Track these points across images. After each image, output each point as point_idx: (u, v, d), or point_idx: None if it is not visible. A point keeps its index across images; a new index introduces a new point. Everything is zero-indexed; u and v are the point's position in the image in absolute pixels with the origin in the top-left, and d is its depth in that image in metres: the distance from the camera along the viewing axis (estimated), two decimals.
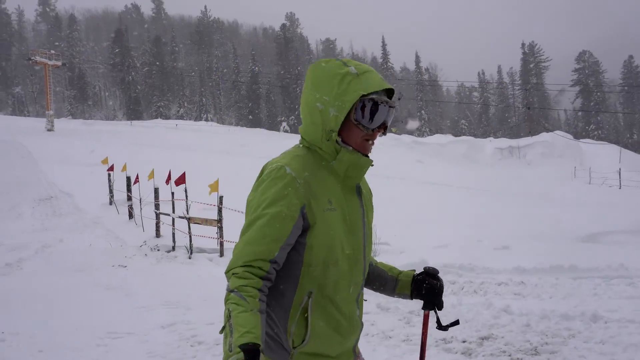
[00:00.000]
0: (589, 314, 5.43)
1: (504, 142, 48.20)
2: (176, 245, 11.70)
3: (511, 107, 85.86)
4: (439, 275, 1.94)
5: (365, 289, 1.97)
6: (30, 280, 8.50)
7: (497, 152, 44.70)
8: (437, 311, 1.93)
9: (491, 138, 53.02)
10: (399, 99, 61.53)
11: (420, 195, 21.39)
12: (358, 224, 1.72)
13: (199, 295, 7.18)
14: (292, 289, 1.63)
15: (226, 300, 1.50)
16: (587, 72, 79.90)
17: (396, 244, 11.41)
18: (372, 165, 1.74)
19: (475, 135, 64.18)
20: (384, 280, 1.97)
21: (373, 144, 1.71)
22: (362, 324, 1.81)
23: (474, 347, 4.77)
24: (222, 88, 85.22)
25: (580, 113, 78.93)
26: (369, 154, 1.75)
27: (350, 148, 1.67)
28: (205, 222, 11.56)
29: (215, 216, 11.70)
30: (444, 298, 1.97)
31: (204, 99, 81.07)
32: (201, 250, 11.44)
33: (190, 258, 10.86)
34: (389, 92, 1.72)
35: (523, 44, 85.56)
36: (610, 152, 43.35)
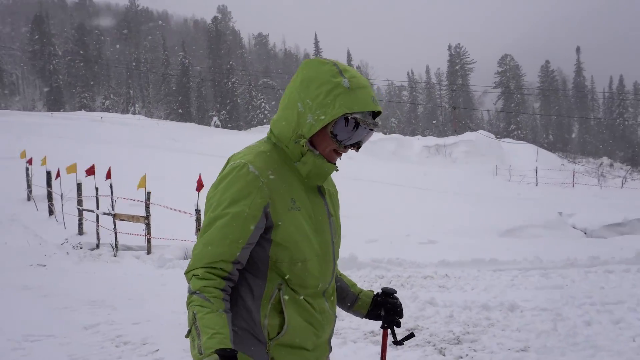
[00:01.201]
0: (507, 304, 5.77)
1: (431, 140, 49.80)
2: (100, 242, 11.25)
3: (438, 107, 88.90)
4: (396, 295, 1.97)
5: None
6: None
7: (425, 150, 46.15)
8: (395, 328, 1.96)
9: (419, 136, 54.58)
10: None
11: (350, 192, 21.63)
12: (324, 224, 1.72)
13: (124, 294, 6.96)
14: (261, 283, 1.62)
15: (189, 302, 1.48)
16: (508, 75, 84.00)
17: None
18: (337, 171, 1.73)
19: (404, 133, 65.88)
20: (344, 294, 1.97)
21: (341, 156, 1.69)
22: (334, 317, 1.81)
23: None
24: (150, 80, 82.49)
25: (501, 114, 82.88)
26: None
27: (317, 152, 1.64)
28: (132, 218, 11.20)
29: (142, 212, 11.37)
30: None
31: (131, 91, 78.22)
32: (127, 248, 11.08)
33: (115, 256, 10.49)
34: (374, 113, 1.68)
35: (450, 46, 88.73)
36: (528, 151, 45.91)
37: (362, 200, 19.43)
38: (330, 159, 1.66)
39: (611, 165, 55.78)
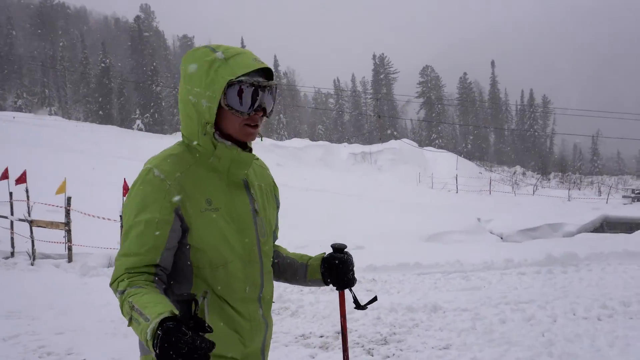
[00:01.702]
0: (430, 305, 6.08)
1: (358, 147, 50.87)
2: (15, 250, 10.64)
3: (364, 115, 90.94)
4: (346, 250, 1.86)
5: (278, 283, 1.94)
6: None
7: (351, 157, 47.07)
8: (352, 289, 1.88)
9: (345, 144, 55.57)
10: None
11: (280, 198, 21.77)
12: (247, 221, 1.64)
13: (45, 304, 6.66)
14: (186, 289, 1.57)
15: (123, 301, 1.41)
16: (429, 86, 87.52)
17: None
18: (256, 159, 1.71)
19: (331, 140, 66.84)
20: (294, 269, 1.90)
21: (256, 128, 1.61)
22: (267, 323, 1.74)
23: (331, 341, 5.09)
24: (68, 80, 78.54)
25: (423, 123, 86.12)
26: (252, 144, 1.67)
27: (229, 143, 1.59)
28: (51, 225, 10.69)
29: (62, 219, 10.87)
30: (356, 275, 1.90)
31: (47, 91, 74.12)
32: (46, 256, 10.56)
33: (32, 264, 9.97)
34: (268, 74, 1.62)
35: (374, 56, 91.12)
36: (449, 159, 48.00)
37: (291, 207, 19.54)
38: (245, 136, 1.60)
39: (524, 173, 59.38)
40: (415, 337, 5.12)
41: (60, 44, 78.26)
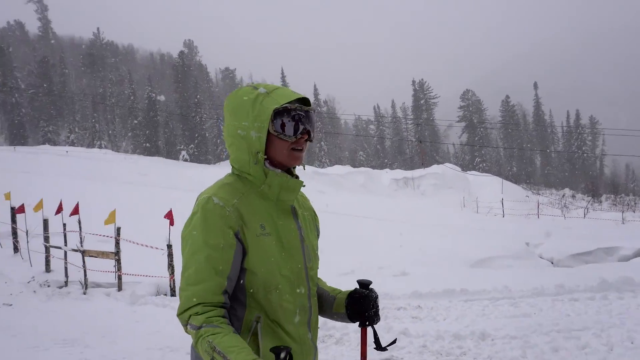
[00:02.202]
0: (478, 333, 5.92)
1: (399, 173, 50.54)
2: (69, 280, 11.01)
3: (405, 140, 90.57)
4: (371, 286, 1.88)
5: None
6: None
7: (393, 182, 46.77)
8: (374, 328, 1.88)
9: (387, 169, 55.35)
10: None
11: (323, 225, 21.80)
12: (296, 247, 1.72)
13: (97, 332, 6.84)
14: (240, 313, 1.64)
15: (199, 337, 1.49)
16: (471, 109, 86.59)
17: None
18: (304, 186, 1.77)
19: (372, 167, 66.75)
20: (323, 300, 1.94)
21: (302, 151, 1.71)
22: (315, 348, 1.80)
23: None
24: (117, 114, 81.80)
25: (466, 147, 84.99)
26: (299, 172, 1.79)
27: (279, 171, 1.70)
28: (102, 254, 11.01)
29: (112, 248, 11.20)
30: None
31: (97, 125, 77.29)
32: (97, 285, 10.87)
33: (85, 293, 10.26)
34: (305, 103, 1.76)
35: (414, 81, 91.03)
36: (493, 183, 46.99)
37: (335, 233, 19.53)
38: (294, 161, 1.71)
39: (573, 196, 57.49)
40: None
41: (109, 80, 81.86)
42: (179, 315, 1.58)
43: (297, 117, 1.68)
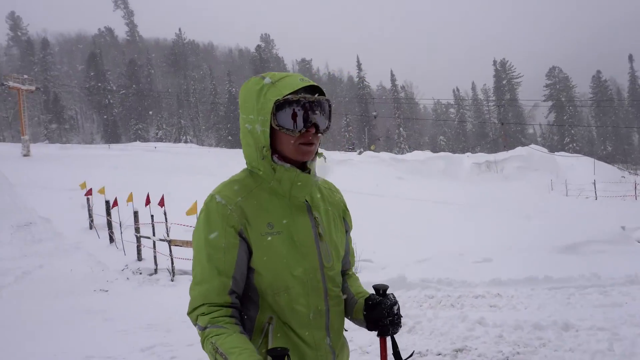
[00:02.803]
0: (561, 323, 5.62)
1: (481, 157, 48.88)
2: (158, 268, 11.68)
3: (487, 123, 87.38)
4: (388, 292, 1.69)
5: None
6: (9, 307, 8.42)
7: (475, 167, 45.30)
8: (394, 339, 1.70)
9: (469, 153, 53.66)
10: (375, 117, 62.18)
11: (402, 212, 21.62)
12: (309, 246, 1.61)
13: (180, 317, 7.18)
14: (253, 313, 1.58)
15: (204, 338, 1.47)
16: (558, 87, 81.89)
17: (378, 261, 11.55)
18: (317, 179, 1.67)
19: (453, 151, 65.05)
20: (346, 303, 1.77)
21: (312, 145, 1.58)
22: (334, 353, 1.67)
23: None
24: (200, 110, 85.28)
25: (554, 127, 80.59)
26: (314, 166, 1.65)
27: (288, 165, 1.59)
28: (186, 244, 11.56)
29: None
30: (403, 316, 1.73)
31: (182, 121, 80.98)
32: (184, 272, 11.45)
33: (172, 280, 10.85)
34: (316, 91, 1.59)
35: (495, 61, 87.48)
36: (585, 164, 44.28)
37: (413, 220, 19.30)
38: (302, 155, 1.58)
39: None
40: (542, 357, 4.75)
41: (192, 77, 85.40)
42: (188, 314, 1.56)
43: (302, 108, 1.54)
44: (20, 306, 8.43)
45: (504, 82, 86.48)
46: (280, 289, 1.56)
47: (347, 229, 1.83)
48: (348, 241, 1.84)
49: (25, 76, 47.50)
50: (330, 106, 1.62)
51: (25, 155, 38.39)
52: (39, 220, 17.25)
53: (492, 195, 31.01)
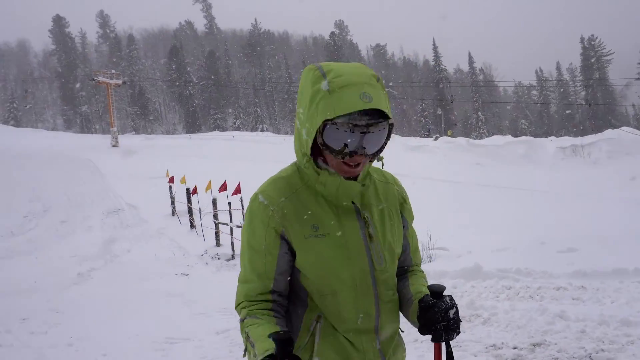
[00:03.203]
0: None
1: (567, 140, 46.40)
2: (235, 253, 12.05)
3: (573, 105, 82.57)
4: (444, 293, 1.51)
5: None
6: (99, 288, 9.04)
7: (560, 151, 43.01)
8: (450, 345, 1.52)
9: (553, 137, 51.00)
10: (452, 101, 60.41)
11: (480, 198, 20.99)
12: (358, 249, 1.52)
13: None
14: (301, 311, 1.56)
15: (242, 329, 1.50)
16: None
17: (454, 249, 11.27)
18: (364, 186, 1.57)
19: (536, 135, 62.12)
20: (403, 304, 1.65)
21: (358, 166, 1.48)
22: (383, 357, 1.58)
23: (525, 354, 4.69)
24: (275, 98, 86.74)
25: None
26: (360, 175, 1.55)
27: (332, 170, 1.50)
28: None
29: None
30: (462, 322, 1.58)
31: (258, 110, 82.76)
32: None
33: None
34: (379, 111, 1.43)
35: (582, 39, 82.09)
36: None
37: (491, 207, 18.67)
38: (344, 173, 1.49)
39: None
40: (629, 356, 4.43)
41: (268, 67, 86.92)
42: (235, 308, 1.59)
43: (352, 134, 1.39)
44: (109, 288, 9.02)
45: (593, 60, 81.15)
46: (327, 292, 1.51)
47: (405, 224, 1.71)
48: (408, 237, 1.73)
49: (113, 71, 50.54)
50: (390, 128, 1.47)
51: (113, 146, 40.80)
52: (126, 207, 18.35)
53: (579, 182, 29.38)
